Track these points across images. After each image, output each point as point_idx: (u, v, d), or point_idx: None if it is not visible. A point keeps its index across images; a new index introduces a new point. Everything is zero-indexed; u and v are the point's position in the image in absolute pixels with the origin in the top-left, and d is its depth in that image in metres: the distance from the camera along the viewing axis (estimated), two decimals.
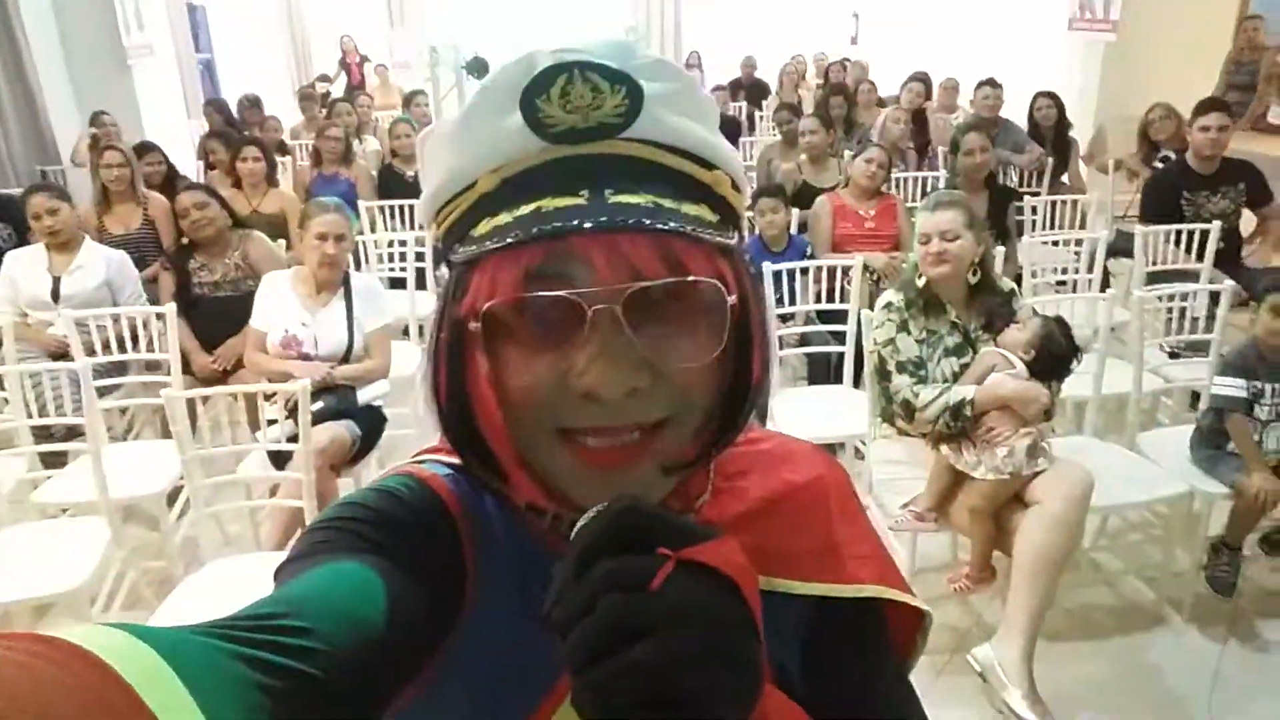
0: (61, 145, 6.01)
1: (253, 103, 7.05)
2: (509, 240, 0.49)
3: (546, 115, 0.50)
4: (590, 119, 0.50)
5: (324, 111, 6.72)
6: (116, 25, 6.59)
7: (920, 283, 2.45)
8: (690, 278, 0.50)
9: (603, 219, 0.48)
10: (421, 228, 4.49)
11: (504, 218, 0.51)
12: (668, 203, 0.51)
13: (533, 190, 0.51)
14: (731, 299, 0.51)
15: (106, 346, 3.18)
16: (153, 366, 3.26)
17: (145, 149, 4.87)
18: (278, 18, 11.14)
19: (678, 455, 0.54)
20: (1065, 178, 5.48)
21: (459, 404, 0.55)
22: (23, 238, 3.91)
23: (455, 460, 0.64)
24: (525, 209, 0.50)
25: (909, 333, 2.45)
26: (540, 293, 0.49)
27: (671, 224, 0.49)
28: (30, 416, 2.66)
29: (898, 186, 4.78)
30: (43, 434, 2.78)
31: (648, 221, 0.49)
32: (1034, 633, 2.15)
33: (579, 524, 0.46)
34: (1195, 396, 3.24)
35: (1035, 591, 2.14)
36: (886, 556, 0.69)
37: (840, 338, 3.33)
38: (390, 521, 0.57)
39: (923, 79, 6.36)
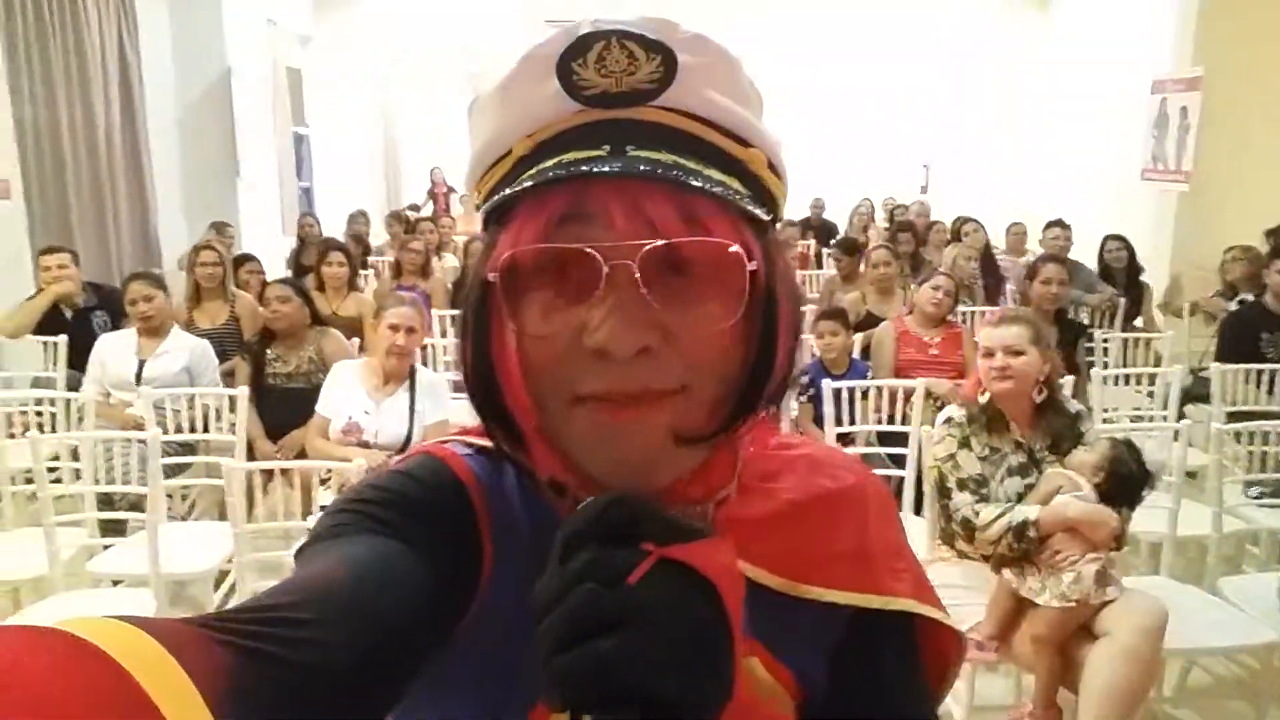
0: (165, 250, 6.45)
1: (354, 219, 7.66)
2: (526, 185, 0.50)
3: (581, 79, 0.51)
4: (623, 84, 0.51)
5: (407, 230, 7.12)
6: (231, 147, 7.17)
7: (983, 399, 2.40)
8: (705, 238, 0.50)
9: (617, 166, 0.49)
10: None
11: (531, 173, 0.52)
12: (691, 164, 0.51)
13: (561, 149, 0.52)
14: (751, 265, 0.51)
15: (179, 429, 3.29)
16: (221, 450, 3.35)
17: (245, 259, 5.24)
18: (373, 150, 11.93)
19: (691, 424, 0.52)
20: (1139, 321, 5.39)
21: (484, 368, 0.55)
22: (117, 325, 4.15)
23: (479, 441, 0.64)
24: (550, 162, 0.52)
25: (970, 449, 2.38)
26: (557, 244, 0.50)
27: (691, 181, 0.49)
28: (98, 483, 2.75)
29: (966, 319, 4.76)
30: (106, 503, 2.86)
31: (660, 172, 0.49)
32: None
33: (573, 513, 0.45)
34: None
35: None
36: (923, 574, 0.66)
37: (900, 461, 3.25)
38: (407, 503, 0.57)
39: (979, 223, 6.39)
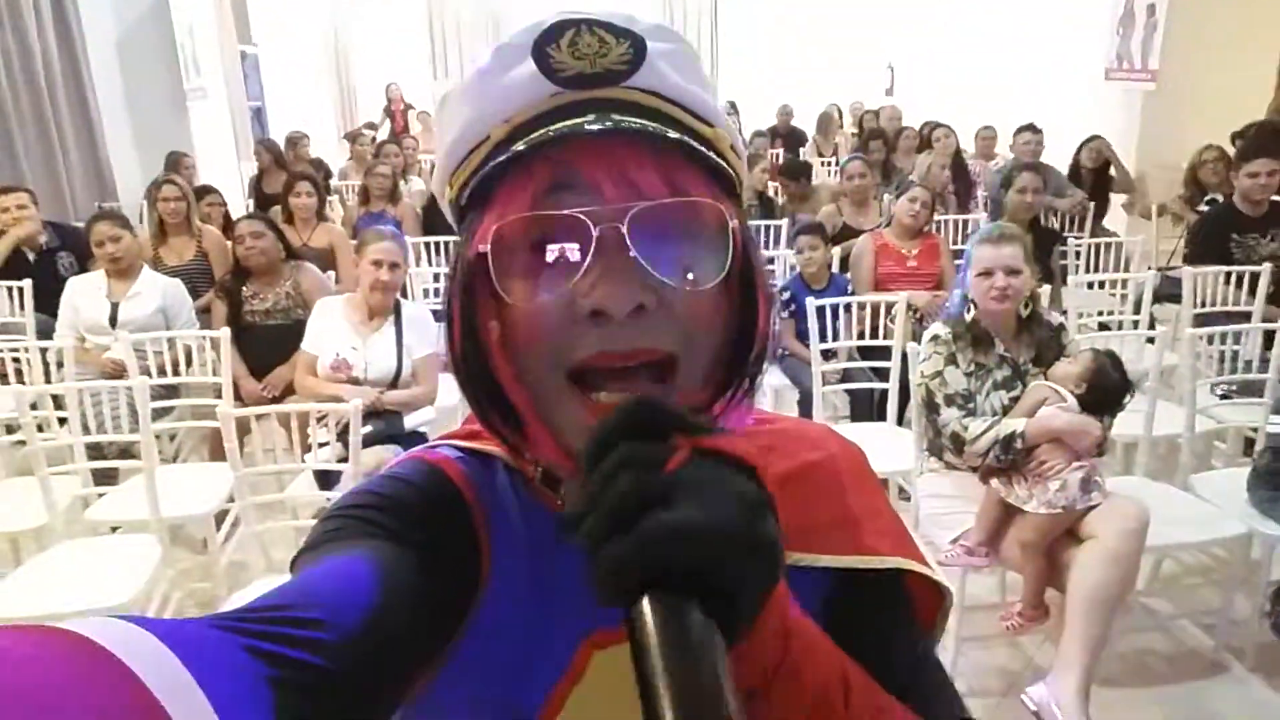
0: (119, 182, 6.22)
1: (294, 141, 7.37)
2: (520, 148, 0.51)
3: (556, 61, 0.52)
4: (597, 65, 0.52)
5: (372, 153, 6.93)
6: (177, 69, 6.86)
7: (968, 316, 2.44)
8: (692, 198, 0.52)
9: (608, 124, 0.51)
10: None
11: (519, 144, 0.52)
12: (670, 133, 0.53)
13: (542, 128, 0.53)
14: (733, 223, 0.53)
15: (161, 371, 3.25)
16: (203, 391, 3.32)
17: (205, 191, 5.09)
18: (326, 66, 11.51)
19: (689, 402, 0.53)
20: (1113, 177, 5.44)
21: (474, 351, 0.55)
22: (83, 266, 4.04)
23: (467, 444, 0.65)
24: (534, 135, 0.52)
25: (957, 365, 2.44)
26: (547, 211, 0.51)
27: (673, 134, 0.52)
28: (87, 433, 2.72)
29: (939, 228, 4.79)
30: (96, 452, 2.84)
31: (652, 127, 0.51)
32: (1090, 670, 2.09)
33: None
34: (1250, 442, 3.17)
35: (1091, 628, 2.09)
36: (905, 532, 0.68)
37: (882, 374, 3.31)
38: (402, 507, 0.57)
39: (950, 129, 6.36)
